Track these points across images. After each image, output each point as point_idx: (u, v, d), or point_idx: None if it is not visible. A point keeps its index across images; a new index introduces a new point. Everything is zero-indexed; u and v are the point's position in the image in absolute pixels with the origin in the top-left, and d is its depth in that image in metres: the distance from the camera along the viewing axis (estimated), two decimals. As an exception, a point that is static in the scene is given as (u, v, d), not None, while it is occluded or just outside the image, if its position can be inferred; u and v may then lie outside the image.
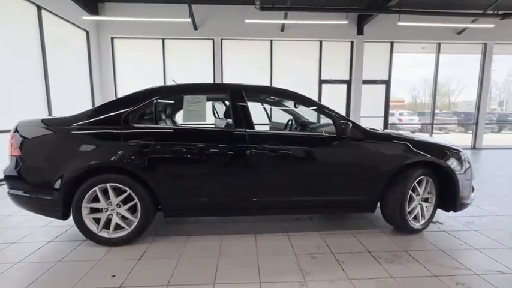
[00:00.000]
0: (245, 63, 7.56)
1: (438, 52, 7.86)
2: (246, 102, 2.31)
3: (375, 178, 2.28)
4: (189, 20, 6.51)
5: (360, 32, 7.36)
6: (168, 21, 6.67)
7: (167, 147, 2.15)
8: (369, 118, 7.69)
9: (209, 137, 2.26)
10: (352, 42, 7.55)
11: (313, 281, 1.71)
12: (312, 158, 2.26)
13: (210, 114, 2.82)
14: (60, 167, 2.07)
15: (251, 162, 2.19)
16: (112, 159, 2.08)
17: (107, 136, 2.13)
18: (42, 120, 2.23)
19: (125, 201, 2.15)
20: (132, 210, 2.18)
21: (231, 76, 7.48)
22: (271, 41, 7.43)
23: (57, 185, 2.06)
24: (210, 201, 2.23)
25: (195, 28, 7.03)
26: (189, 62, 7.42)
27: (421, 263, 1.92)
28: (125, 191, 2.13)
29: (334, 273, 1.80)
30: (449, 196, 2.39)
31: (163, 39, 7.25)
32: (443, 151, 2.35)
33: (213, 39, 7.26)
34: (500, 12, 6.37)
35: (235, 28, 7.15)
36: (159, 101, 2.33)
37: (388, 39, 7.61)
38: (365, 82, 7.68)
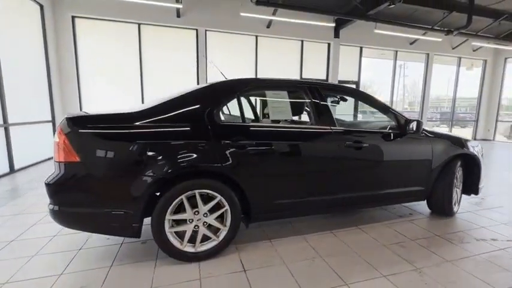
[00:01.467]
0: (230, 59, 7.30)
1: (395, 59, 9.08)
2: (326, 100, 2.30)
3: (432, 169, 2.56)
4: (174, 5, 5.93)
5: (336, 35, 7.93)
6: (146, 4, 5.95)
7: (263, 146, 1.98)
8: (342, 116, 8.39)
9: (303, 136, 2.17)
10: (329, 44, 8.08)
11: (426, 267, 1.86)
12: (387, 153, 2.40)
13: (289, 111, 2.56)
14: (139, 173, 1.70)
15: (341, 159, 2.20)
16: (205, 161, 1.82)
17: (195, 135, 1.84)
18: (101, 117, 1.79)
19: (211, 209, 1.91)
20: (217, 218, 1.95)
21: (216, 71, 7.13)
22: (256, 36, 7.36)
23: (135, 195, 1.69)
24: (299, 200, 2.16)
25: (178, 15, 6.43)
26: (169, 53, 6.76)
27: (480, 239, 2.28)
28: (213, 198, 1.89)
29: (432, 258, 1.98)
30: (472, 182, 2.85)
31: (139, 25, 6.40)
32: (469, 144, 2.79)
33: (197, 30, 6.78)
34: (445, 28, 7.73)
35: (221, 20, 6.83)
36: (240, 95, 2.11)
37: (358, 44, 8.41)
38: (340, 82, 8.34)
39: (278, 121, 2.24)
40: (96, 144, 1.67)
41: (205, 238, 1.92)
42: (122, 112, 1.86)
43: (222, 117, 2.12)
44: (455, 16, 7.39)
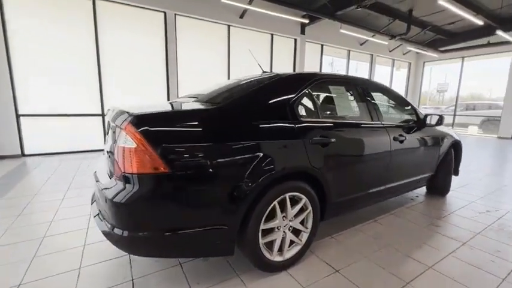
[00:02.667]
0: (201, 49, 6.79)
1: (348, 58, 10.03)
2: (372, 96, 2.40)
3: (439, 157, 2.97)
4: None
5: (302, 31, 8.24)
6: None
7: (344, 143, 1.96)
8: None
9: (369, 131, 2.22)
10: (295, 40, 8.34)
11: (477, 249, 2.18)
12: (417, 144, 2.66)
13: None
14: (241, 179, 1.47)
15: (391, 152, 2.34)
16: (300, 161, 1.69)
17: (286, 133, 1.67)
18: (186, 114, 1.47)
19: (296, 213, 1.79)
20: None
21: (186, 60, 6.55)
22: (229, 26, 7.02)
23: (236, 205, 1.45)
24: (363, 194, 2.22)
25: (144, -6, 5.59)
26: (133, 38, 5.84)
27: (483, 211, 2.81)
28: (298, 201, 1.77)
29: (462, 231, 2.34)
30: (456, 165, 3.44)
31: (93, 0, 5.30)
32: (453, 133, 3.33)
33: (165, 12, 6.03)
34: (389, 34, 8.92)
35: (194, 5, 6.25)
36: (309, 89, 1.99)
37: (320, 42, 8.94)
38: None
39: (343, 117, 2.24)
40: (190, 149, 1.35)
41: (290, 244, 1.80)
42: (203, 108, 1.56)
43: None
44: (397, 24, 8.60)
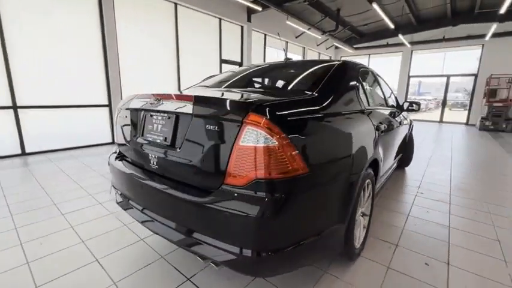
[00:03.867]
0: (145, 35, 5.79)
1: (286, 50, 10.56)
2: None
3: (408, 139, 3.59)
4: None
5: (249, 19, 8.12)
6: None
7: (387, 127, 2.15)
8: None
9: (393, 116, 2.49)
10: (242, 27, 8.16)
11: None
12: (403, 127, 3.12)
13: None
14: (359, 169, 1.49)
15: (396, 133, 2.65)
16: (374, 148, 1.77)
17: (365, 121, 1.70)
18: (301, 102, 1.28)
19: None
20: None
21: (128, 50, 5.48)
22: (176, 4, 6.19)
23: (352, 199, 1.41)
24: (388, 170, 2.48)
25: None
26: (57, 21, 4.41)
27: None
28: (367, 187, 1.84)
29: (433, 189, 2.96)
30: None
31: None
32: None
33: (98, -20, 4.80)
34: (320, 29, 9.86)
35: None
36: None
37: (263, 31, 9.05)
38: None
39: (380, 103, 2.40)
40: (319, 144, 1.19)
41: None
42: (311, 97, 1.39)
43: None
44: (326, 21, 9.60)
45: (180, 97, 1.33)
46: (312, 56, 12.44)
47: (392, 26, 8.95)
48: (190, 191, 1.20)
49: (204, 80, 2.44)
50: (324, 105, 1.39)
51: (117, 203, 1.73)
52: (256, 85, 2.04)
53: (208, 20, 7.15)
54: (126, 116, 1.68)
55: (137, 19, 5.64)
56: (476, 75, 10.59)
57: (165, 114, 1.37)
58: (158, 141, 1.40)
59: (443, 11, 9.66)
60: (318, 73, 1.78)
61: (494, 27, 8.47)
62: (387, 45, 12.11)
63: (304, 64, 2.09)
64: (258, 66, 2.34)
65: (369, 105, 1.94)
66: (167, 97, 1.36)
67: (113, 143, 5.60)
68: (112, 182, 1.84)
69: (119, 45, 5.31)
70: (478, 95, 10.52)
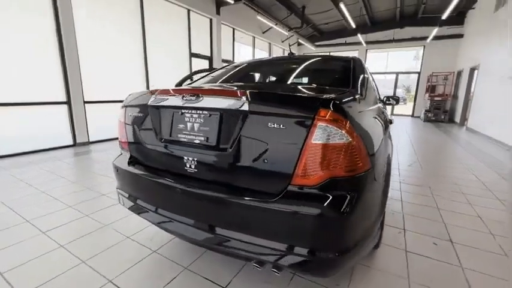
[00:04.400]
0: (109, 26, 5.16)
1: (253, 45, 10.52)
2: None
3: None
4: None
5: (218, 12, 7.85)
6: None
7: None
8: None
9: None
10: (211, 20, 7.85)
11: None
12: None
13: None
14: (387, 160, 1.55)
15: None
16: None
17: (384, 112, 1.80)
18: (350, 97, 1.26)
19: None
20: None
21: (90, 42, 4.84)
22: (141, -9, 5.65)
23: (388, 186, 1.47)
24: None
25: None
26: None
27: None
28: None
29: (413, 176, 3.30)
30: None
31: None
32: None
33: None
34: (287, 26, 10.05)
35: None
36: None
37: (232, 25, 8.84)
38: (223, 61, 8.52)
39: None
40: (371, 135, 1.21)
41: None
42: (350, 92, 1.37)
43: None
44: (292, 18, 9.83)
45: (231, 93, 1.20)
46: (277, 52, 12.63)
47: (354, 25, 9.58)
48: (248, 194, 1.11)
49: (207, 75, 2.27)
50: (363, 99, 1.41)
51: (129, 208, 1.54)
52: (284, 80, 1.98)
53: (176, 10, 6.70)
54: (140, 115, 1.47)
55: (99, 7, 5.00)
56: (419, 73, 12.01)
57: (205, 112, 1.23)
58: (197, 141, 1.26)
59: (393, 14, 10.68)
60: (342, 68, 1.80)
61: (435, 30, 9.66)
62: (345, 43, 12.94)
63: (321, 59, 2.08)
64: (270, 60, 2.28)
65: (379, 99, 2.04)
66: (210, 93, 1.23)
67: (74, 145, 4.93)
68: (122, 189, 1.61)
69: (77, 37, 4.64)
70: (421, 91, 11.96)
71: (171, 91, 1.36)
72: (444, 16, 7.48)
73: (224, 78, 2.06)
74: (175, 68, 6.94)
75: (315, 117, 1.00)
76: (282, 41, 12.42)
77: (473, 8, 8.99)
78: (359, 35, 10.77)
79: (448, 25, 10.07)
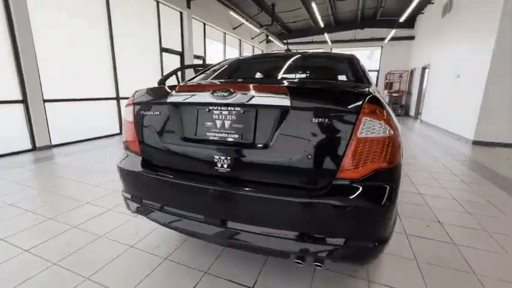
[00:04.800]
0: (71, 17, 4.61)
1: (224, 41, 10.33)
2: None
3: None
4: None
5: (188, 5, 7.53)
6: None
7: None
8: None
9: None
10: (181, 14, 7.50)
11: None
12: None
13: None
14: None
15: None
16: None
17: None
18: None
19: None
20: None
21: (50, 35, 4.27)
22: (105, -22, 5.14)
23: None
24: None
25: None
26: None
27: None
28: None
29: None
30: None
31: None
32: None
33: None
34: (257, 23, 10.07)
35: None
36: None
37: (202, 20, 8.56)
38: (195, 56, 8.21)
39: None
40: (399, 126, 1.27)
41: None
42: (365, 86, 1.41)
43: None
44: (262, 15, 9.89)
45: (270, 88, 1.16)
46: (247, 49, 12.60)
47: (322, 24, 9.96)
48: (290, 191, 1.10)
49: (209, 69, 2.17)
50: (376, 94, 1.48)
51: (140, 212, 1.43)
52: (299, 75, 1.97)
53: (146, 2, 6.27)
54: (155, 113, 1.36)
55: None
56: (378, 71, 13.02)
57: (238, 108, 1.18)
58: (230, 140, 1.20)
59: (355, 15, 11.37)
60: (349, 64, 1.86)
61: (393, 32, 10.54)
62: (312, 42, 13.43)
63: (326, 56, 2.12)
64: (276, 56, 2.26)
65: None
66: (245, 88, 1.17)
67: (34, 149, 4.34)
68: (131, 192, 1.47)
69: (33, 26, 4.07)
70: (380, 87, 13.00)
71: (198, 87, 1.28)
72: (402, 19, 8.23)
73: (230, 74, 2.00)
74: (147, 63, 6.52)
75: (361, 112, 1.03)
76: (252, 38, 12.42)
77: (423, 13, 10.01)
78: (326, 34, 11.27)
79: (401, 27, 11.07)
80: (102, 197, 2.58)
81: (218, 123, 1.23)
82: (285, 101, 1.09)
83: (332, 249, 1.08)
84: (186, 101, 1.27)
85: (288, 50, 2.45)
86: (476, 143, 5.38)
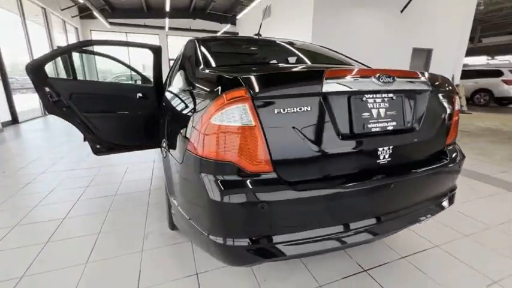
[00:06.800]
0: None
1: (21, 11, 6.79)
2: None
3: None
4: None
5: None
6: None
7: None
8: None
9: None
10: None
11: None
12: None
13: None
14: None
15: None
16: None
17: None
18: None
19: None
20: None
21: None
22: None
23: None
24: None
25: None
26: None
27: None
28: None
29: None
30: None
31: None
32: None
33: None
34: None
35: None
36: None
37: None
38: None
39: None
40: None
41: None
42: None
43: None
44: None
45: (413, 74, 1.21)
46: (55, 22, 9.15)
47: (168, 8, 9.19)
48: (429, 163, 1.28)
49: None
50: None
51: (268, 258, 1.03)
52: (307, 61, 1.87)
53: None
54: (301, 110, 0.98)
55: None
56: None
57: (390, 95, 1.15)
58: (389, 128, 1.15)
59: (189, 5, 11.45)
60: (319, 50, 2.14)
61: (227, 26, 11.76)
62: (145, 25, 12.05)
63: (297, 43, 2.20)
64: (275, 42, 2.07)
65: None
66: (398, 74, 1.13)
67: None
68: (252, 235, 0.99)
69: None
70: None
71: (358, 72, 1.06)
72: (239, 16, 9.39)
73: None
74: None
75: (455, 91, 1.39)
76: (62, 9, 9.12)
77: (245, 14, 11.94)
78: (166, 19, 10.56)
79: (226, 23, 12.57)
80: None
81: (374, 112, 1.12)
82: (427, 86, 1.23)
83: (451, 196, 1.42)
84: (352, 89, 1.04)
85: (258, 34, 2.32)
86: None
